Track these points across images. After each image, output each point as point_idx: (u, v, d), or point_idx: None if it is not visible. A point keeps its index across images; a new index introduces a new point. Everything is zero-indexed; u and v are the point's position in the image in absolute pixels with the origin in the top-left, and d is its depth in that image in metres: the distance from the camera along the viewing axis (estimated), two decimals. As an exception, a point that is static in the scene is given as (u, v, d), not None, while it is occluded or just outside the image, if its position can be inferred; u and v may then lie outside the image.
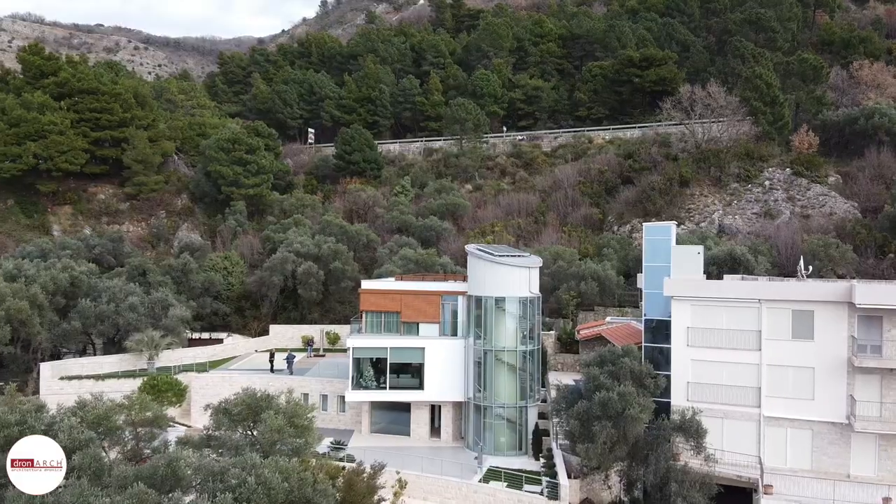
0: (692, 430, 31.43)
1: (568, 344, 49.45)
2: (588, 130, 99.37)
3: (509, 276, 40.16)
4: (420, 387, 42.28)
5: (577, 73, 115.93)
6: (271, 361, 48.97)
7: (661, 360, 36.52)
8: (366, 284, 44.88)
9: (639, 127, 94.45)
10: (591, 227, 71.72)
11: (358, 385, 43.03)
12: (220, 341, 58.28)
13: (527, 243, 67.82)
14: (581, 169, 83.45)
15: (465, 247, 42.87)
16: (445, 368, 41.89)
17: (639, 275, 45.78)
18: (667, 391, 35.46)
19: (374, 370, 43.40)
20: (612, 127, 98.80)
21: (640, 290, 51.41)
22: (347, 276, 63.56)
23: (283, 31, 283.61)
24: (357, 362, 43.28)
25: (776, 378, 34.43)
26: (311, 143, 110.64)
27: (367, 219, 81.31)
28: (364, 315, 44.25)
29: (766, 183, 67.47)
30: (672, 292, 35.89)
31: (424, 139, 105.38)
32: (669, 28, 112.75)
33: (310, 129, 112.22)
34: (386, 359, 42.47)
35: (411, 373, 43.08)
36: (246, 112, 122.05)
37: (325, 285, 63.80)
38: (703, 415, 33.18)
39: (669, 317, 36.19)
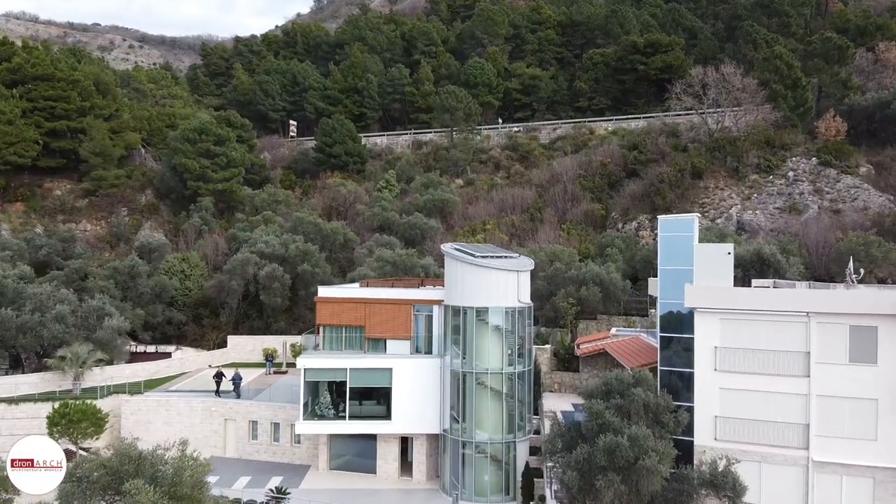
0: (727, 486, 24.12)
1: (566, 360, 42.13)
2: (589, 121, 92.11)
3: (494, 282, 32.92)
4: (387, 416, 34.99)
5: (578, 61, 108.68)
6: (217, 382, 41.55)
7: (681, 387, 29.19)
8: (323, 292, 37.52)
9: (644, 117, 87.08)
10: (592, 225, 64.44)
11: (312, 414, 35.75)
12: (168, 355, 51.00)
13: (521, 242, 60.68)
14: (581, 161, 76.17)
15: (441, 247, 35.56)
16: (417, 394, 34.63)
17: (649, 279, 38.49)
18: (689, 427, 28.17)
19: (332, 396, 36.16)
20: (615, 118, 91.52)
21: (651, 298, 44.18)
22: (318, 279, 56.12)
23: (277, 26, 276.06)
24: (311, 387, 36.02)
25: (829, 412, 27.11)
26: (292, 137, 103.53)
27: (347, 216, 74.17)
28: (322, 329, 36.96)
29: (790, 174, 60.07)
30: (695, 303, 28.59)
31: (413, 131, 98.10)
32: (675, 14, 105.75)
33: (291, 122, 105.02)
34: (346, 382, 35.12)
35: (377, 399, 35.81)
36: (227, 105, 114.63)
37: (293, 290, 56.61)
38: (737, 459, 25.95)
39: (691, 333, 28.86)
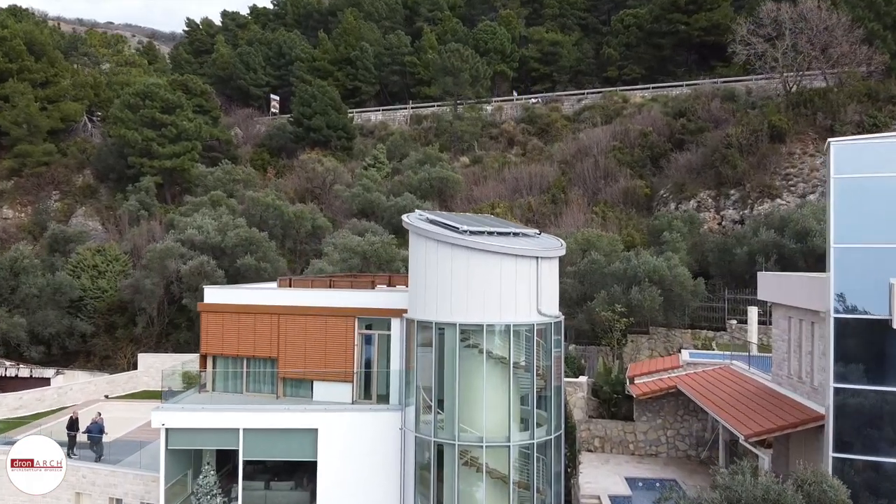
0: None
1: (612, 401, 27.17)
2: (622, 90, 77.09)
3: (496, 277, 18.12)
4: (309, 510, 20.29)
5: (605, 27, 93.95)
6: (71, 434, 26.86)
7: (875, 492, 14.22)
8: (211, 295, 22.79)
9: (688, 84, 71.78)
10: (634, 206, 49.50)
11: (185, 503, 21.15)
12: (46, 381, 36.72)
13: (540, 229, 45.81)
14: (616, 132, 61.12)
15: (403, 218, 20.64)
16: (361, 473, 19.84)
17: (759, 274, 23.27)
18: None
19: (221, 472, 21.51)
20: (652, 86, 76.40)
21: (732, 304, 29.25)
22: (267, 276, 41.85)
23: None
24: (185, 457, 21.38)
25: None
26: (275, 113, 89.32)
27: (324, 200, 59.88)
28: (208, 361, 22.31)
29: (905, 135, 44.72)
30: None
31: (412, 106, 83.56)
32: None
33: (272, 96, 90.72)
34: (238, 452, 20.39)
35: (296, 479, 21.08)
36: (207, 81, 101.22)
37: (233, 292, 42.08)
38: None
39: (899, 384, 13.91)
